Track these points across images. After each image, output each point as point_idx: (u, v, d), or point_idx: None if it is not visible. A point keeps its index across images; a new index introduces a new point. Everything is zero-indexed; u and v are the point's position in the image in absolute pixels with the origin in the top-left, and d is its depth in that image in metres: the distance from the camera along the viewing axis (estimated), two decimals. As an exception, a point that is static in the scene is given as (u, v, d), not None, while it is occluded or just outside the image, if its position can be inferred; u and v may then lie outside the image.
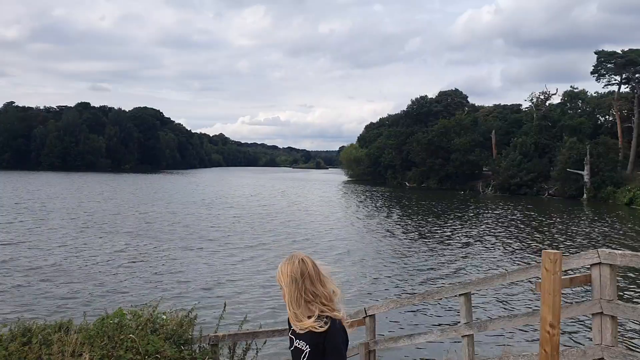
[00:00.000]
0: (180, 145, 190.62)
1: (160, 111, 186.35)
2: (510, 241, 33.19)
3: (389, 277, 22.14)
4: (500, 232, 37.38)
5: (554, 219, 48.07)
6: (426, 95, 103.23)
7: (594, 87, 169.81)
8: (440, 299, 12.75)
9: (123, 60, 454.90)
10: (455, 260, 26.22)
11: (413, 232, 36.90)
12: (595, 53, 75.43)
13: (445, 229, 38.50)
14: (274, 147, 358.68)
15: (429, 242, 32.28)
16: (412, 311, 15.85)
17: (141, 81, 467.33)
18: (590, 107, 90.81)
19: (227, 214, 45.26)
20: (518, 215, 50.39)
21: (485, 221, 44.62)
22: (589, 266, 5.19)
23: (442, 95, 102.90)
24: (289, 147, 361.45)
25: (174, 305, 12.16)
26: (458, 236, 35.18)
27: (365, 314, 7.42)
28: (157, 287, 18.89)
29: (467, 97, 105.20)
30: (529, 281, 16.44)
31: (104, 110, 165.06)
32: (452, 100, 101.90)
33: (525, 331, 13.96)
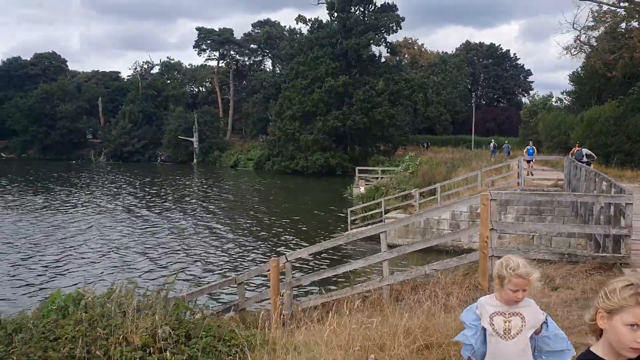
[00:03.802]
0: None
1: None
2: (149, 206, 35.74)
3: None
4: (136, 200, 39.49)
5: (182, 181, 52.69)
6: (19, 57, 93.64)
7: (182, 58, 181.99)
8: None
9: None
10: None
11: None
12: (197, 29, 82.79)
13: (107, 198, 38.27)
14: None
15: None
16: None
17: None
18: (187, 78, 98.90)
19: None
20: (142, 180, 52.89)
21: (125, 188, 45.81)
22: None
23: (39, 57, 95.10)
24: None
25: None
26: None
27: (287, 260, 9.15)
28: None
29: (66, 61, 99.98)
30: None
31: None
32: (51, 63, 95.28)
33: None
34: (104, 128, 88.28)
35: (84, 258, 20.56)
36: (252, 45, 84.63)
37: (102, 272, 18.24)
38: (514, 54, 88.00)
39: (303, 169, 58.57)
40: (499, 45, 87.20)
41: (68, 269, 18.89)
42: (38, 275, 18.11)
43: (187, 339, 6.23)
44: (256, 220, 30.19)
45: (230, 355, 5.98)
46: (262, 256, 20.12)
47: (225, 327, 6.90)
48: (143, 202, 37.83)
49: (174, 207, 35.30)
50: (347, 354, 5.19)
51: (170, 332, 6.16)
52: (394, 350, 5.15)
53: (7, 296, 15.68)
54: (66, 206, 34.64)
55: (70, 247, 22.52)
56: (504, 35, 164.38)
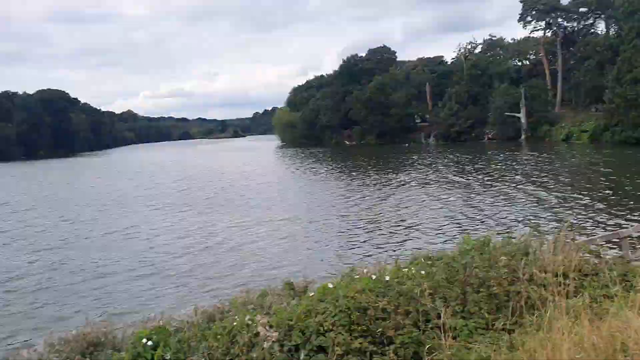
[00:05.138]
0: (93, 126, 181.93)
1: (67, 92, 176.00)
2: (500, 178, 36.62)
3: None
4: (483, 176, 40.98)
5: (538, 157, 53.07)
6: (356, 54, 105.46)
7: (501, 33, 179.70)
8: None
9: (8, 41, 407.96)
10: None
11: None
12: (520, 1, 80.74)
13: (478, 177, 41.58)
14: (184, 120, 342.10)
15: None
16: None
17: (32, 62, 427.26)
18: (509, 53, 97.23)
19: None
20: (478, 157, 54.50)
21: (494, 168, 48.29)
22: None
23: (372, 52, 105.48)
24: (199, 117, 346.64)
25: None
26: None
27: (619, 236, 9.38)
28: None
29: (395, 52, 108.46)
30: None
31: (8, 95, 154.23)
32: (382, 56, 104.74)
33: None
34: (431, 111, 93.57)
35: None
36: (581, 9, 78.62)
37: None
38: None
39: (651, 138, 52.53)
40: None
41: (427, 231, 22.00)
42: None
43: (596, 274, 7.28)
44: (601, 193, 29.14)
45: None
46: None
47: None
48: (490, 177, 39.54)
49: (525, 181, 36.16)
50: None
51: (579, 266, 7.33)
52: None
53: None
54: (433, 181, 39.39)
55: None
56: None
